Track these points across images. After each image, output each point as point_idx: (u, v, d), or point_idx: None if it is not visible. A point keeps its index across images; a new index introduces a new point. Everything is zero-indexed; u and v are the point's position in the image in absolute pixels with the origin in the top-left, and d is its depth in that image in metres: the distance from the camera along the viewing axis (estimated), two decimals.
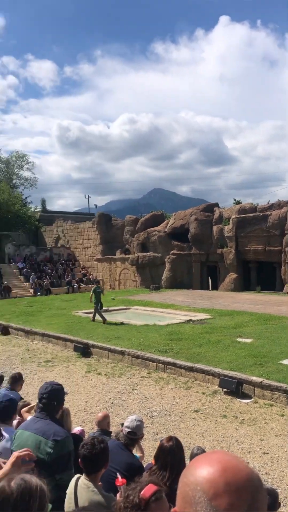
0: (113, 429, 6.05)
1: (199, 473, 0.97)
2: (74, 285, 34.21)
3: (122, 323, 16.72)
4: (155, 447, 4.09)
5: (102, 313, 17.40)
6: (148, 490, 2.06)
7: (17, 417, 4.88)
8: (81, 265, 38.32)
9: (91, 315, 17.82)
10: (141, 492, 2.04)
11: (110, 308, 20.47)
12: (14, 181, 52.23)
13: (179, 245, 30.59)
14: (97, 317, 17.29)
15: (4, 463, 2.12)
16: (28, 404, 5.07)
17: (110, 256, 35.67)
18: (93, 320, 17.32)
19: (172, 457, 3.41)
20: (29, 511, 1.38)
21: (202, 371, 10.14)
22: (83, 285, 34.46)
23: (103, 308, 18.23)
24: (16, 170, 53.11)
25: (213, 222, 29.43)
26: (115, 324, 16.66)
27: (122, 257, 34.43)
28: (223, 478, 0.94)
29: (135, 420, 4.37)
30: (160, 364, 11.10)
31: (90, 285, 34.62)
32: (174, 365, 10.79)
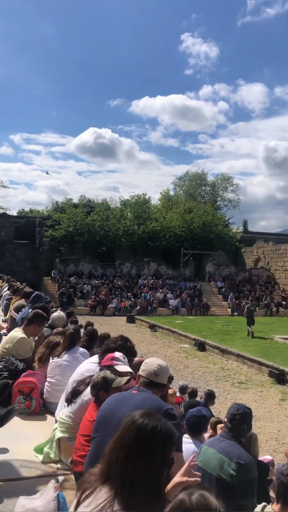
0: None
1: None
2: (272, 309, 33.32)
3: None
4: None
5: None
6: None
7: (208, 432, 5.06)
8: (281, 288, 37.03)
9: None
10: None
11: None
12: (218, 203, 54.03)
13: None
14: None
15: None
16: (221, 421, 5.14)
17: None
18: (249, 335, 19.80)
19: None
20: None
21: None
22: (283, 309, 33.24)
23: None
24: (221, 192, 54.95)
25: None
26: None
27: None
28: None
29: None
30: None
31: None
32: None
